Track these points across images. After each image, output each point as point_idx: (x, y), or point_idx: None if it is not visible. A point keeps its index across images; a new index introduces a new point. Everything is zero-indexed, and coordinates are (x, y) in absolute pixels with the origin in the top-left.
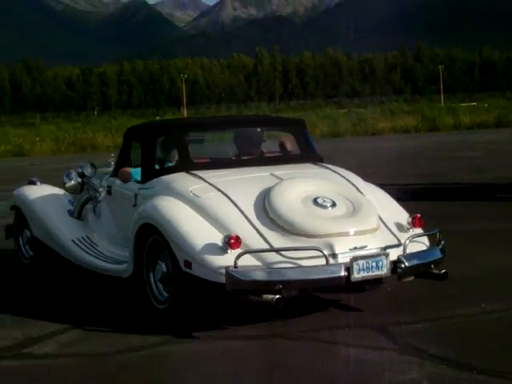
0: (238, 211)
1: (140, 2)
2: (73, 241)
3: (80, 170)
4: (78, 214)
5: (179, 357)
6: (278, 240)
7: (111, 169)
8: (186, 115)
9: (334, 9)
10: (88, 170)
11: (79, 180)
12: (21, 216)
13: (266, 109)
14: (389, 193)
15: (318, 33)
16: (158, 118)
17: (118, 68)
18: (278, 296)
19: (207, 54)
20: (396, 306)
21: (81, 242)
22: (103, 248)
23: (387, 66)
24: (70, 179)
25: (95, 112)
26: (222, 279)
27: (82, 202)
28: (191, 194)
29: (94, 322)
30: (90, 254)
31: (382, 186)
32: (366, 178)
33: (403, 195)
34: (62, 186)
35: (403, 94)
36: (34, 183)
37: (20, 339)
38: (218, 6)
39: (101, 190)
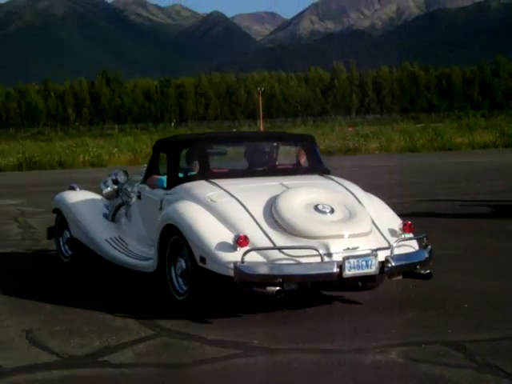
0: (247, 214)
1: (218, 15)
2: (106, 240)
3: (114, 178)
4: (112, 217)
5: (256, 369)
6: (280, 240)
7: (142, 176)
8: (262, 128)
9: (412, 23)
10: (121, 178)
11: (115, 187)
12: (61, 218)
13: (342, 122)
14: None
15: (396, 47)
16: (234, 130)
17: (195, 80)
18: (278, 288)
19: (284, 67)
20: (471, 322)
21: (113, 241)
22: (132, 247)
23: (465, 81)
24: (107, 186)
25: (172, 124)
26: (231, 273)
27: (116, 206)
28: (208, 200)
29: (170, 331)
30: (121, 252)
31: (467, 201)
32: (450, 195)
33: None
34: (99, 192)
35: (481, 109)
36: (73, 189)
37: (98, 347)
38: (295, 19)
39: (132, 195)
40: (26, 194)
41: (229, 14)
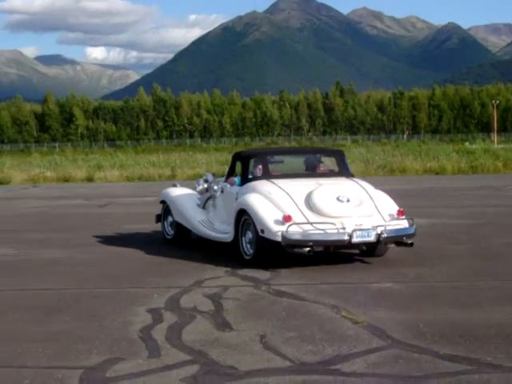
0: (292, 201)
1: (454, 26)
2: (199, 222)
3: (205, 178)
4: (203, 205)
5: None
6: (312, 218)
7: (224, 177)
8: (495, 142)
9: None
10: (210, 178)
11: (205, 185)
12: (166, 208)
13: None
14: None
15: None
16: (467, 143)
17: (429, 92)
18: (309, 249)
19: None
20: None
21: (204, 222)
22: (217, 226)
23: None
24: (199, 185)
25: (404, 136)
26: (280, 239)
27: (206, 198)
28: (267, 192)
29: (402, 343)
30: (209, 229)
31: None
32: None
33: None
34: (193, 189)
35: None
36: (175, 186)
37: (330, 355)
38: None
39: (217, 190)
40: None
41: (465, 26)
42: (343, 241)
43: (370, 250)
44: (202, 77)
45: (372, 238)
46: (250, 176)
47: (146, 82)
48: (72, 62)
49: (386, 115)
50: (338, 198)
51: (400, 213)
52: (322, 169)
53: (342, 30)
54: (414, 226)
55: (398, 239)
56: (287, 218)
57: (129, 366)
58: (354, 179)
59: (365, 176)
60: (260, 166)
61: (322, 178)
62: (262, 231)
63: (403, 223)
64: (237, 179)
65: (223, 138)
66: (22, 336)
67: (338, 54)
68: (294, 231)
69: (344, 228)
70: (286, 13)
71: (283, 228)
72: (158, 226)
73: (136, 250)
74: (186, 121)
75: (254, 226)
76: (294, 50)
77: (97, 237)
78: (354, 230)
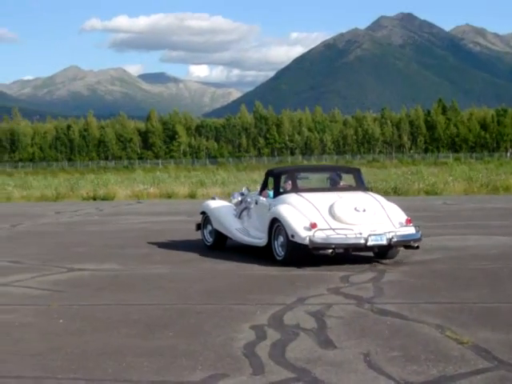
0: (317, 211)
1: None
2: (236, 229)
3: (241, 192)
4: (239, 215)
5: None
6: (334, 225)
7: (258, 191)
8: None
9: None
10: (246, 192)
11: (239, 198)
12: (205, 218)
13: None
14: None
15: None
16: None
17: None
18: (331, 251)
19: None
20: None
21: (240, 230)
22: (251, 232)
23: None
24: (234, 198)
25: (508, 153)
26: (308, 242)
27: (242, 209)
28: (296, 204)
29: (509, 365)
30: (244, 235)
31: None
32: None
33: None
34: (229, 201)
35: None
36: (214, 199)
37: (434, 376)
38: None
39: (250, 201)
40: None
41: None
42: (360, 244)
43: (383, 253)
44: (303, 94)
45: (384, 242)
46: (281, 190)
47: (247, 99)
48: (175, 80)
49: (489, 133)
50: (355, 209)
51: (408, 221)
52: (341, 184)
53: (444, 47)
54: (420, 232)
55: (406, 243)
56: (313, 225)
57: (233, 382)
58: (369, 193)
59: (468, 194)
60: (290, 182)
61: (341, 192)
62: (292, 236)
63: (411, 230)
64: (270, 193)
65: (324, 155)
66: (127, 350)
67: (440, 71)
68: (319, 236)
69: (361, 233)
70: (388, 29)
71: (310, 233)
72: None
73: (238, 265)
74: (287, 138)
75: (285, 232)
76: (395, 66)
77: (199, 253)
78: (369, 235)
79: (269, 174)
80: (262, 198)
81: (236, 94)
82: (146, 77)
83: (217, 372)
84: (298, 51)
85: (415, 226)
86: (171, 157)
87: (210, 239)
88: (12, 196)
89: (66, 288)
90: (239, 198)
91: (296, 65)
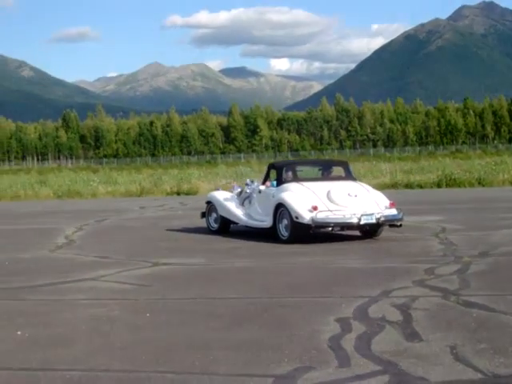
0: (316, 197)
1: None
2: (242, 215)
3: (246, 182)
4: (242, 203)
5: None
6: (331, 207)
7: (260, 182)
8: None
9: None
10: (249, 182)
11: (239, 190)
12: (210, 207)
13: None
14: None
15: None
16: None
17: None
18: (331, 228)
19: None
20: None
21: (246, 215)
22: (255, 217)
23: None
24: (235, 189)
25: None
26: (310, 222)
27: (244, 198)
28: (297, 190)
29: None
30: (250, 219)
31: None
32: None
33: None
34: (230, 192)
35: None
36: (218, 190)
37: None
38: None
39: (249, 191)
40: (445, 210)
41: None
42: (354, 223)
43: (371, 232)
44: (384, 86)
45: (374, 221)
46: (283, 180)
47: (328, 92)
48: (256, 74)
49: None
50: (348, 194)
51: (391, 204)
52: (332, 174)
53: None
54: (402, 213)
55: (391, 222)
56: (315, 208)
57: (319, 374)
58: (357, 182)
59: None
60: (290, 173)
61: (334, 181)
62: (296, 218)
63: (394, 211)
64: (273, 183)
65: (407, 147)
66: (214, 344)
67: None
68: (320, 216)
69: (355, 214)
70: (470, 19)
71: (312, 214)
72: (345, 233)
73: (321, 259)
74: (369, 130)
75: (290, 214)
76: (477, 56)
77: (284, 247)
78: (362, 215)
79: (271, 167)
80: (264, 187)
81: (317, 87)
82: (227, 71)
83: (303, 365)
84: (378, 42)
85: (397, 209)
86: (253, 151)
87: (214, 225)
88: (97, 192)
89: (152, 282)
90: (239, 190)
91: (377, 56)
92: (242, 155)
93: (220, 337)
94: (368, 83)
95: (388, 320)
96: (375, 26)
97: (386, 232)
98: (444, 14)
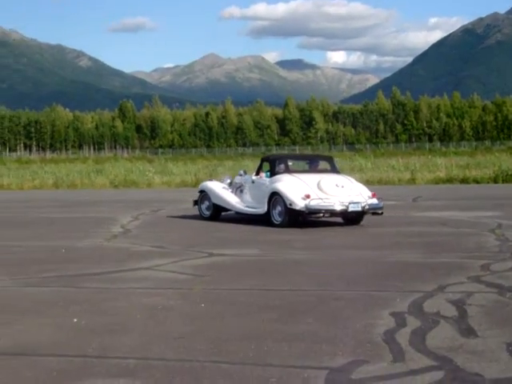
0: (308, 186)
1: None
2: (236, 202)
3: (240, 173)
4: (234, 192)
5: None
6: (322, 196)
7: (253, 173)
8: None
9: None
10: (243, 173)
11: (229, 181)
12: (203, 195)
13: None
14: None
15: None
16: None
17: None
18: (321, 214)
19: None
20: None
21: (238, 202)
22: (248, 204)
23: None
24: (225, 181)
25: None
26: (304, 209)
27: (236, 188)
28: (290, 181)
29: None
30: (243, 207)
31: None
32: None
33: None
34: (220, 182)
35: None
36: (211, 180)
37: None
38: None
39: (238, 182)
40: (502, 206)
41: None
42: (343, 209)
43: (355, 219)
44: (441, 80)
45: (360, 209)
46: (276, 171)
47: (384, 85)
48: (312, 67)
49: None
50: (336, 185)
51: (373, 195)
52: (319, 168)
53: None
54: (382, 202)
55: (374, 210)
56: (307, 196)
57: (373, 368)
58: (342, 174)
59: None
60: (282, 165)
61: (321, 174)
62: (290, 204)
63: (376, 201)
64: (266, 174)
65: (463, 141)
66: (268, 335)
67: None
68: (313, 204)
69: (343, 202)
70: None
71: (306, 202)
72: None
73: (376, 253)
74: (425, 124)
75: (284, 201)
76: None
77: (337, 239)
78: (349, 203)
79: (264, 159)
80: (257, 178)
81: (373, 80)
82: (283, 64)
83: (357, 358)
84: (436, 36)
85: (378, 198)
86: (308, 143)
87: (206, 213)
88: (153, 182)
89: (207, 272)
90: (229, 180)
91: (434, 50)
92: (296, 147)
93: (274, 328)
94: (425, 77)
95: (443, 315)
96: (433, 20)
97: (440, 227)
98: (503, 8)
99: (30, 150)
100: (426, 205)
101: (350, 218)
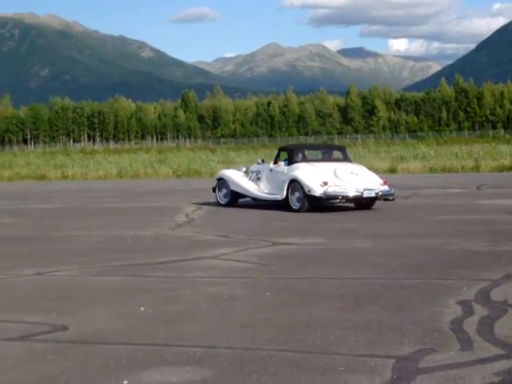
0: (325, 174)
1: None
2: (254, 189)
3: (258, 162)
4: (252, 180)
5: None
6: (339, 183)
7: (272, 162)
8: None
9: None
10: (259, 162)
11: (244, 169)
12: (221, 183)
13: None
14: None
15: None
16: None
17: None
18: (338, 200)
19: None
20: None
21: (257, 189)
22: (266, 191)
23: None
24: (241, 169)
25: None
26: (322, 195)
27: (254, 175)
28: (308, 169)
29: None
30: (262, 193)
31: None
32: None
33: None
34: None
35: None
36: (228, 168)
37: None
38: None
39: (254, 170)
40: None
41: None
42: (359, 196)
43: (368, 204)
44: (504, 67)
45: (374, 195)
46: (294, 160)
47: (447, 72)
48: (374, 55)
49: None
50: (351, 172)
51: (385, 182)
52: (333, 157)
53: None
54: (393, 189)
55: (386, 196)
56: (325, 183)
57: (441, 357)
58: (355, 163)
59: None
60: (300, 155)
61: (336, 162)
62: (309, 191)
63: (387, 188)
64: (284, 162)
65: None
66: (334, 323)
67: None
68: (330, 190)
69: (358, 189)
70: None
71: (324, 188)
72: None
73: (439, 241)
74: (488, 112)
75: (302, 188)
76: None
77: (402, 228)
78: (364, 190)
79: (281, 149)
80: (275, 166)
81: (436, 67)
82: (344, 52)
83: (424, 347)
84: (499, 22)
85: (389, 186)
86: (370, 131)
87: (224, 199)
88: (216, 171)
89: (271, 261)
90: (244, 169)
91: (498, 36)
92: (359, 136)
93: (340, 317)
94: (488, 64)
95: (511, 304)
96: (496, 6)
97: (506, 215)
98: None
99: (94, 141)
100: (491, 193)
101: (363, 204)
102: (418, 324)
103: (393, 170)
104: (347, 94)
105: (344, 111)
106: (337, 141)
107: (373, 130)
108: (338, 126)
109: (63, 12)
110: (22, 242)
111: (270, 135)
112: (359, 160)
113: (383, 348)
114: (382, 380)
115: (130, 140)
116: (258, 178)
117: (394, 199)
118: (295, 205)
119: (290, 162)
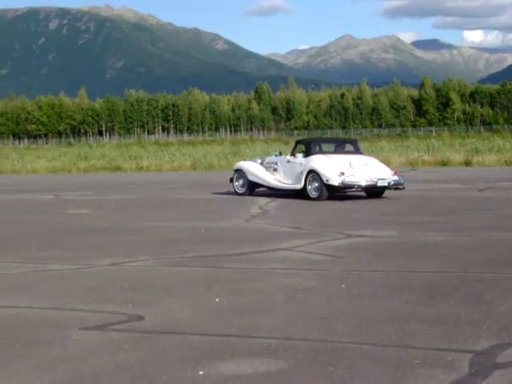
0: (341, 165)
1: None
2: (272, 179)
3: (275, 154)
4: (269, 170)
5: None
6: (355, 173)
7: (289, 154)
8: None
9: None
10: (277, 154)
11: (259, 161)
12: (238, 174)
13: None
14: None
15: None
16: None
17: None
18: (355, 189)
19: None
20: None
21: (275, 179)
22: (283, 181)
23: None
24: (256, 161)
25: None
26: (340, 184)
27: (271, 166)
28: (325, 160)
29: None
30: (279, 183)
31: None
32: None
33: None
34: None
35: None
36: (244, 160)
37: None
38: None
39: (270, 162)
40: None
41: None
42: (373, 185)
43: (376, 193)
44: None
45: (386, 184)
46: (311, 152)
47: None
48: (448, 47)
49: None
50: (365, 164)
51: (395, 172)
52: (346, 149)
53: None
54: (403, 179)
55: (397, 186)
56: (342, 173)
57: None
58: (367, 156)
59: None
60: (316, 147)
61: (349, 154)
62: (327, 180)
63: (398, 178)
64: (301, 154)
65: None
66: (409, 317)
67: None
68: (347, 180)
69: (372, 178)
70: None
71: (342, 178)
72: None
73: None
74: None
75: (320, 178)
76: None
77: (478, 222)
78: (378, 179)
79: (298, 142)
80: (292, 158)
81: (511, 59)
82: (419, 44)
83: (502, 341)
84: None
85: (399, 176)
86: (445, 124)
87: (241, 189)
88: None
89: (345, 254)
90: (259, 161)
91: None
92: (433, 128)
93: (415, 310)
94: None
95: None
96: None
97: None
98: None
99: (168, 133)
100: None
101: (375, 193)
102: (496, 318)
103: (468, 163)
104: (421, 86)
105: (418, 103)
106: (410, 133)
107: (447, 123)
108: (412, 119)
109: (137, 4)
110: (99, 233)
111: (344, 127)
112: (433, 152)
113: (459, 342)
114: (458, 374)
115: (203, 132)
116: (275, 169)
117: (404, 188)
118: (313, 194)
119: (307, 153)
